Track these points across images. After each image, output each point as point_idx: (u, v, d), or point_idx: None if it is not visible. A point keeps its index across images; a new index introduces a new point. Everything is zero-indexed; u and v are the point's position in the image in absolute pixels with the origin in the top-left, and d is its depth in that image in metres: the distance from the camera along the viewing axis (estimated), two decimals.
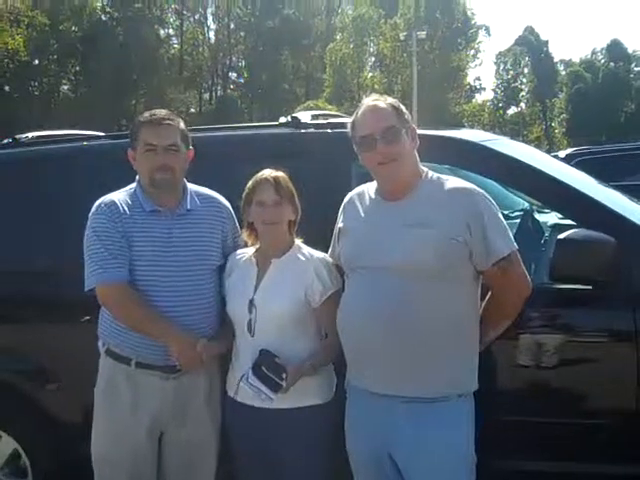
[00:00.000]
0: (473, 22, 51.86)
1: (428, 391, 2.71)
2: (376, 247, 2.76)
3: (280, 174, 3.04)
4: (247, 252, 3.15)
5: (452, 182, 2.81)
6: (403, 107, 2.85)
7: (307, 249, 3.07)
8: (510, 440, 3.15)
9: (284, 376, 2.83)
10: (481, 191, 2.78)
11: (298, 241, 3.09)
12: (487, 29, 53.98)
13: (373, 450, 2.81)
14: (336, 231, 3.01)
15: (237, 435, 3.09)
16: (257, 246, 3.12)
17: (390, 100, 2.85)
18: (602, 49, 54.11)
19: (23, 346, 3.77)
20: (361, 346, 2.78)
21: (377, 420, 2.78)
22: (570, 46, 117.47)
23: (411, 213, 2.75)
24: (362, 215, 2.90)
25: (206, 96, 55.35)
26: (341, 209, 3.02)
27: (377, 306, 2.71)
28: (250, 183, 3.06)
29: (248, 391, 2.88)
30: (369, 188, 2.95)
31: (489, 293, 2.83)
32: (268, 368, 2.84)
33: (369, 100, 2.87)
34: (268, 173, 3.03)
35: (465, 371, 2.79)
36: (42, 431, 3.77)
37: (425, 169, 2.86)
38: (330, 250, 3.06)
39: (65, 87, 46.88)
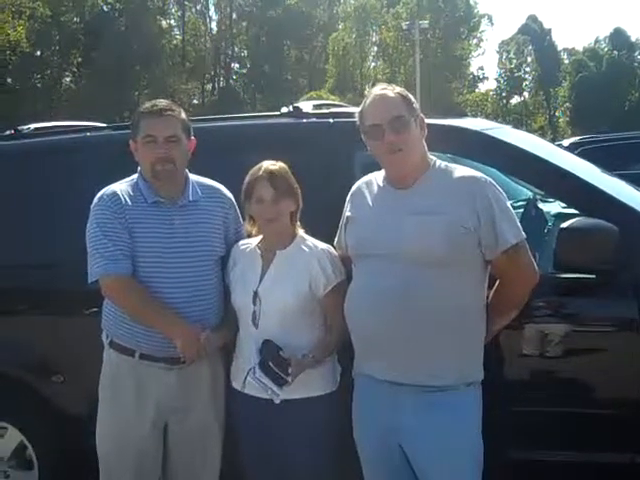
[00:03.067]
0: (476, 11, 51.81)
1: (436, 380, 2.71)
2: (384, 235, 2.75)
3: (276, 167, 3.01)
4: (251, 243, 3.14)
5: (461, 171, 2.81)
6: (411, 96, 2.85)
7: (311, 240, 3.06)
8: (515, 430, 3.15)
9: (289, 371, 2.82)
10: (490, 180, 2.78)
11: (302, 232, 3.08)
12: (490, 18, 53.95)
13: (381, 438, 2.82)
14: (343, 220, 3.01)
15: (242, 426, 3.10)
16: (261, 237, 3.11)
17: (398, 89, 2.85)
18: (605, 37, 53.88)
19: (28, 339, 3.78)
20: (369, 334, 2.78)
21: (385, 408, 2.78)
22: (573, 34, 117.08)
23: (419, 201, 2.75)
24: (370, 203, 2.90)
25: (209, 87, 55.28)
26: (348, 198, 3.02)
27: (384, 294, 2.71)
28: (247, 178, 3.04)
29: (255, 385, 2.89)
30: (377, 177, 2.94)
31: (496, 282, 2.83)
32: (274, 363, 2.83)
33: (377, 89, 2.86)
34: (264, 168, 3.00)
35: (472, 360, 2.79)
36: (48, 423, 3.78)
37: (433, 158, 2.86)
38: (337, 239, 3.06)
39: (67, 79, 46.82)
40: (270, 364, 2.83)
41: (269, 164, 3.03)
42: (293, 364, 2.84)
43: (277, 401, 2.86)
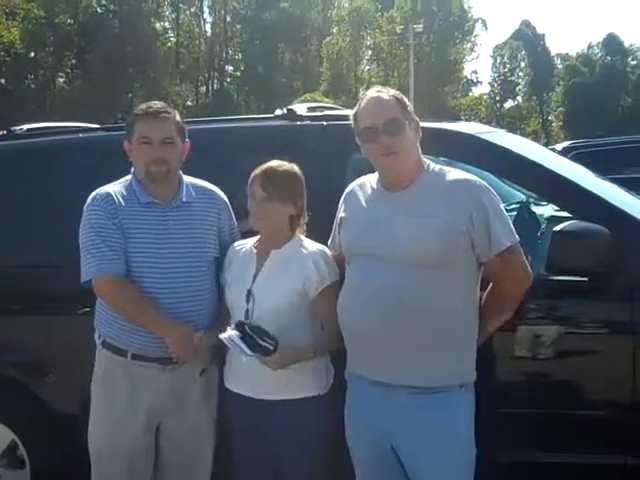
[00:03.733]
0: (470, 15, 51.86)
1: (429, 381, 2.71)
2: (377, 236, 2.76)
3: (278, 170, 3.00)
4: (247, 243, 3.15)
5: (454, 173, 2.82)
6: (406, 99, 2.84)
7: (307, 241, 3.06)
8: (507, 432, 3.16)
9: (266, 339, 2.78)
10: (484, 183, 2.79)
11: (300, 234, 3.08)
12: (484, 22, 54.08)
13: (374, 440, 2.82)
14: (337, 221, 3.01)
15: (234, 427, 3.10)
16: (257, 237, 3.12)
17: (393, 92, 2.84)
18: (598, 43, 54.08)
19: (20, 338, 3.77)
20: (361, 335, 2.78)
21: (378, 410, 2.78)
22: (567, 40, 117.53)
23: (413, 203, 2.76)
24: (364, 205, 2.90)
25: (202, 89, 55.24)
26: (342, 199, 3.02)
27: (377, 295, 2.72)
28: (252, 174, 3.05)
29: (225, 344, 2.84)
30: (370, 179, 2.95)
31: (489, 285, 2.84)
32: (252, 328, 2.80)
33: (372, 92, 2.86)
34: (262, 168, 3.01)
35: (465, 361, 2.79)
36: (39, 422, 3.77)
37: (427, 161, 2.86)
38: (330, 240, 3.06)
39: (61, 80, 46.73)
40: (246, 327, 2.79)
41: (272, 164, 3.02)
42: (280, 344, 2.79)
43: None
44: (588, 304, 3.20)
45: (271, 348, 2.79)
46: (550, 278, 3.15)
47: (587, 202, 3.29)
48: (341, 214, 3.00)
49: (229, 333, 2.81)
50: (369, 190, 2.92)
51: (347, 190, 3.03)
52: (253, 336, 2.78)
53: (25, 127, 4.40)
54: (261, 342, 2.78)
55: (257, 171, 3.02)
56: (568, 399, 3.24)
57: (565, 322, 3.22)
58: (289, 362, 2.86)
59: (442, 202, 2.73)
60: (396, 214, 2.76)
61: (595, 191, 3.40)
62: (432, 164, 2.86)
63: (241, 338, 2.79)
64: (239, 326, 2.82)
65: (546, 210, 4.43)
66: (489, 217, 2.71)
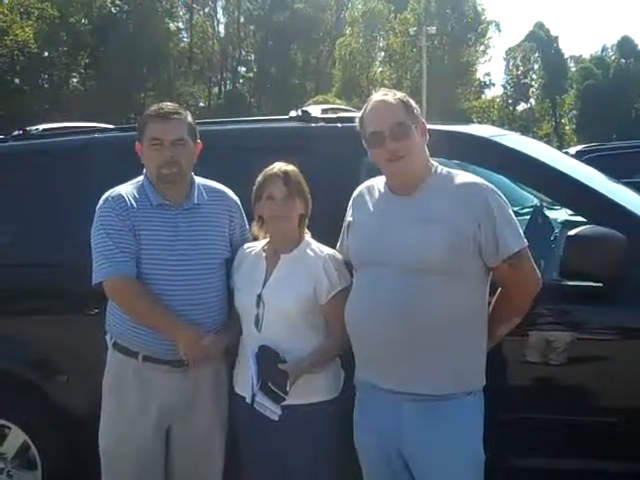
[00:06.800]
0: (483, 17, 51.70)
1: (436, 388, 2.69)
2: (385, 242, 2.73)
3: (290, 168, 3.02)
4: (256, 246, 3.14)
5: (462, 177, 2.78)
6: (412, 102, 2.81)
7: (316, 245, 3.05)
8: (519, 438, 3.13)
9: (287, 388, 2.82)
10: (491, 186, 2.75)
11: (307, 236, 3.08)
12: (497, 25, 53.81)
13: (382, 446, 2.80)
14: (345, 225, 3.00)
15: (244, 431, 3.08)
16: (266, 240, 3.11)
17: (399, 95, 2.80)
18: (612, 45, 54.00)
19: (32, 338, 3.77)
20: (368, 342, 2.77)
21: (385, 416, 2.76)
22: (580, 42, 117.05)
23: (420, 208, 2.73)
24: (371, 209, 2.88)
25: (215, 90, 55.36)
26: (350, 203, 3.00)
27: (385, 301, 2.69)
28: (260, 177, 3.04)
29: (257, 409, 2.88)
30: (378, 182, 2.92)
31: (498, 290, 2.81)
32: (274, 382, 2.82)
33: (378, 95, 2.82)
34: (278, 167, 3.02)
35: (473, 368, 2.76)
36: (51, 423, 3.77)
37: (435, 164, 2.83)
38: (339, 244, 3.05)
39: (75, 80, 46.90)
40: (270, 385, 2.82)
41: (282, 164, 3.03)
42: (291, 376, 2.83)
43: (276, 418, 2.84)
44: (602, 309, 3.16)
45: (286, 398, 2.83)
46: (564, 283, 3.12)
47: (602, 206, 3.26)
48: (349, 218, 2.98)
49: (259, 398, 2.83)
50: (377, 194, 2.90)
51: (355, 193, 3.00)
52: (277, 391, 2.82)
53: (41, 127, 4.41)
54: (283, 394, 2.82)
55: (272, 172, 3.01)
56: (580, 406, 3.20)
57: (579, 328, 3.20)
58: (297, 379, 2.88)
59: (449, 206, 2.69)
60: (403, 220, 2.74)
61: (610, 195, 3.37)
62: (440, 167, 2.82)
63: (267, 396, 2.82)
64: (263, 387, 2.83)
65: (560, 214, 4.42)
66: (497, 221, 2.68)
